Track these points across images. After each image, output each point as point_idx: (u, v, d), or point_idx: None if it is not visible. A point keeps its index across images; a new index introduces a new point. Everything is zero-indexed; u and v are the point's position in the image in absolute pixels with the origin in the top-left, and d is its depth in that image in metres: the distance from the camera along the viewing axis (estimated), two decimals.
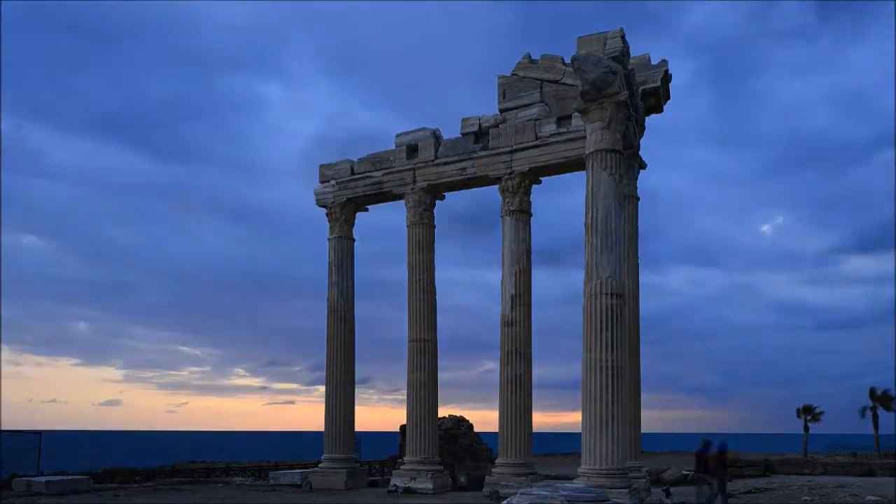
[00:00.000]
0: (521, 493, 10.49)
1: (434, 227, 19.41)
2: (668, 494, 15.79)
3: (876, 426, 44.84)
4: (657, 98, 17.11)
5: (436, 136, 19.08)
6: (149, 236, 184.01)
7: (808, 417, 45.40)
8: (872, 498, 17.31)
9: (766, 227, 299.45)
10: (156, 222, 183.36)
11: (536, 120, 17.30)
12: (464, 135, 18.56)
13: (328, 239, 20.88)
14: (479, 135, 18.33)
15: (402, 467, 18.63)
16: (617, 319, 13.13)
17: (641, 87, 16.34)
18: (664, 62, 17.21)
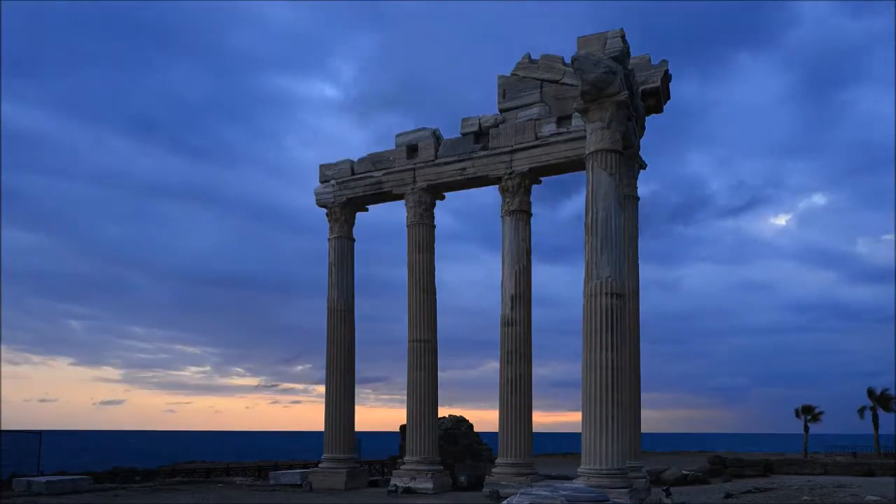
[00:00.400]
0: (521, 493, 10.50)
1: (434, 227, 19.41)
2: (668, 494, 15.78)
3: (876, 426, 44.88)
4: (657, 98, 17.10)
5: (436, 136, 19.08)
6: (151, 234, 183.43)
7: (808, 418, 45.45)
8: (872, 498, 17.30)
9: (782, 220, 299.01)
10: (160, 220, 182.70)
11: (536, 120, 17.30)
12: (464, 135, 18.56)
13: (328, 239, 20.88)
14: (480, 135, 18.34)
15: (402, 467, 18.64)
16: (617, 319, 13.13)
17: (641, 87, 16.33)
18: (664, 62, 17.20)
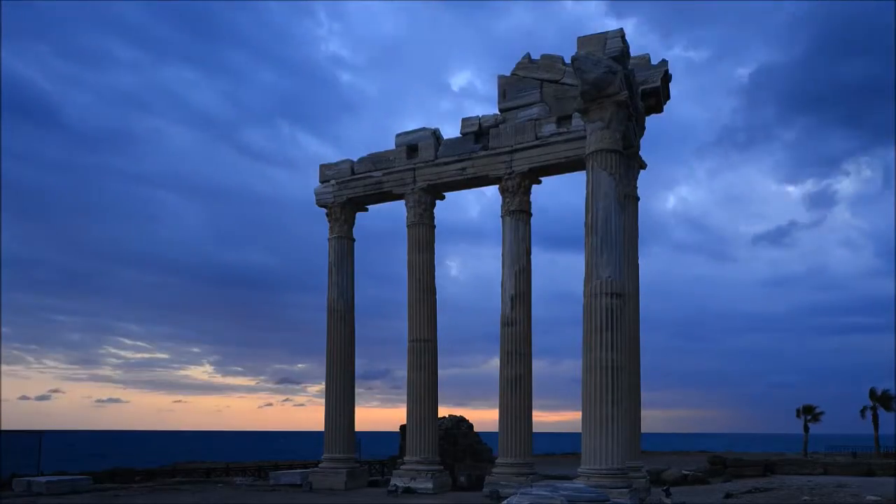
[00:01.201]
0: (521, 493, 10.48)
1: (434, 227, 19.42)
2: (668, 494, 15.77)
3: (876, 426, 44.89)
4: (657, 98, 17.09)
5: (436, 136, 19.09)
6: (153, 232, 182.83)
7: (809, 417, 45.49)
8: (872, 498, 17.29)
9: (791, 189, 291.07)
10: (163, 218, 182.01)
11: (536, 120, 17.31)
12: (464, 135, 18.57)
13: (328, 239, 20.88)
14: (480, 135, 18.34)
15: (402, 467, 18.64)
16: (617, 319, 13.13)
17: (641, 87, 16.32)
18: (664, 62, 17.20)
